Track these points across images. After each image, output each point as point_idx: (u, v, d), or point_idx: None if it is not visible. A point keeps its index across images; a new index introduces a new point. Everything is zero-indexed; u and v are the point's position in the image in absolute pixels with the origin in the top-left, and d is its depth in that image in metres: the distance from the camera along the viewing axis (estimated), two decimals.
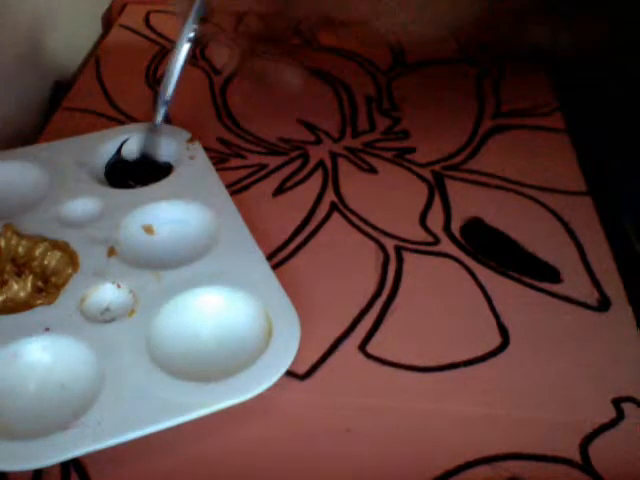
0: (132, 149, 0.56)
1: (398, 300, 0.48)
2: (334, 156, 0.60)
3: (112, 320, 0.43)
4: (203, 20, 0.52)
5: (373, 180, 0.58)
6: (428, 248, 0.52)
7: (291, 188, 0.57)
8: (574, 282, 0.49)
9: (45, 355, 0.41)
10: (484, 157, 0.59)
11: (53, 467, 0.38)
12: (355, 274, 0.50)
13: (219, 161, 0.59)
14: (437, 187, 0.57)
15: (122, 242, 0.48)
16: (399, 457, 0.40)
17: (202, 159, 0.55)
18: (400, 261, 0.50)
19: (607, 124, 0.60)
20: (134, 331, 0.42)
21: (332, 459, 0.39)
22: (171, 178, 0.53)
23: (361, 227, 0.53)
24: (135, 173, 0.55)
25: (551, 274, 0.49)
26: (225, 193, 0.51)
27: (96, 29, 0.80)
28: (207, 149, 0.56)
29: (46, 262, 0.46)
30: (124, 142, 0.56)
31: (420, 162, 0.59)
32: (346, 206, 0.55)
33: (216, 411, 0.39)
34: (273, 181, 0.57)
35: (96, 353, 0.41)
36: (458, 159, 0.59)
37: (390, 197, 0.56)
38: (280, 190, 0.56)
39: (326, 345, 0.45)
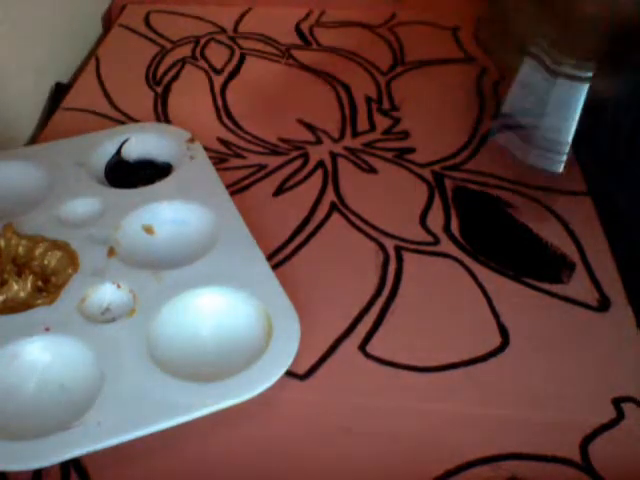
0: (132, 149, 0.56)
1: (398, 300, 0.48)
2: (334, 156, 0.60)
3: (112, 320, 0.43)
4: None
5: (373, 180, 0.58)
6: (428, 248, 0.52)
7: (291, 188, 0.57)
8: (574, 282, 0.49)
9: (45, 355, 0.42)
10: (484, 157, 0.59)
11: (53, 467, 0.38)
12: (355, 274, 0.50)
13: (219, 161, 0.58)
14: (437, 187, 0.57)
15: (122, 242, 0.48)
16: (399, 457, 0.40)
17: (202, 159, 0.55)
18: (400, 261, 0.50)
19: (607, 124, 0.60)
20: (134, 331, 0.42)
21: (332, 459, 0.39)
22: (171, 178, 0.53)
23: (361, 227, 0.53)
24: (135, 173, 0.55)
25: (553, 274, 0.49)
26: (225, 193, 0.51)
27: (96, 29, 0.80)
28: (207, 149, 0.56)
29: (46, 262, 0.46)
30: (124, 142, 0.56)
31: (420, 162, 0.59)
32: (346, 206, 0.55)
33: (216, 411, 0.39)
34: (273, 181, 0.57)
35: (96, 353, 0.41)
36: (458, 159, 0.59)
37: (390, 197, 0.56)
38: (280, 190, 0.56)
39: (326, 345, 0.45)
